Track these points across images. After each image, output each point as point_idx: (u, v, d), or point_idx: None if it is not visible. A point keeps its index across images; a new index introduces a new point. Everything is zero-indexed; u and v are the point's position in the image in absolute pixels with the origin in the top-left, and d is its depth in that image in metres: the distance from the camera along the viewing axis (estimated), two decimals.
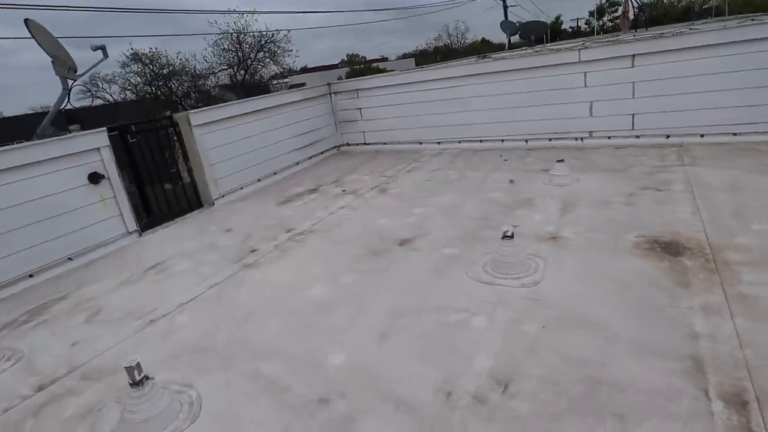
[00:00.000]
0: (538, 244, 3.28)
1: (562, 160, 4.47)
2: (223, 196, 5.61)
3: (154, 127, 7.17)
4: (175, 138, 6.00)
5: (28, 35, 5.47)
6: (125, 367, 1.93)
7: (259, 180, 6.09)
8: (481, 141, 6.38)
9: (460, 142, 6.54)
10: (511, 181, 4.75)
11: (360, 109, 7.26)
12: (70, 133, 5.78)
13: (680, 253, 2.98)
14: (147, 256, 4.15)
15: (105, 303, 3.34)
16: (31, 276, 3.91)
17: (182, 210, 5.44)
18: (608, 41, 6.32)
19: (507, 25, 14.32)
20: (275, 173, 6.36)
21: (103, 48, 5.83)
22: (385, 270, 3.24)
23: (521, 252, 2.95)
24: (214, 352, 2.54)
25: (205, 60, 28.95)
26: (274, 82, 34.76)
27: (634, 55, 5.17)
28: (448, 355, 2.28)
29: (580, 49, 5.40)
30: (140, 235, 4.67)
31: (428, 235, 3.72)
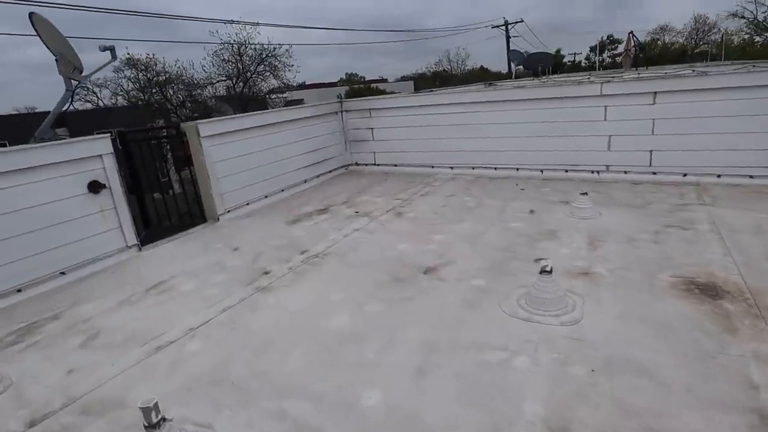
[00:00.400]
0: (571, 280, 3.12)
1: (585, 193, 4.36)
2: (229, 211, 5.38)
3: (159, 136, 6.99)
4: (169, 148, 5.80)
5: (30, 32, 5.28)
6: (141, 408, 1.69)
7: (266, 196, 5.89)
8: (495, 168, 6.28)
9: (473, 168, 6.44)
10: (532, 212, 4.62)
11: (371, 129, 7.15)
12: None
13: (720, 296, 2.85)
14: (148, 274, 3.89)
15: (103, 324, 3.07)
16: (19, 291, 3.60)
17: (185, 225, 5.19)
18: (631, 77, 6.33)
19: (514, 55, 14.53)
20: (282, 190, 6.16)
21: (112, 49, 5.66)
22: (411, 299, 3.04)
23: (559, 288, 2.78)
24: (231, 386, 2.30)
25: (204, 70, 28.91)
26: (273, 96, 34.86)
27: (655, 93, 5.15)
28: (492, 398, 2.08)
29: (602, 83, 5.37)
30: (140, 249, 4.40)
31: (453, 264, 3.54)
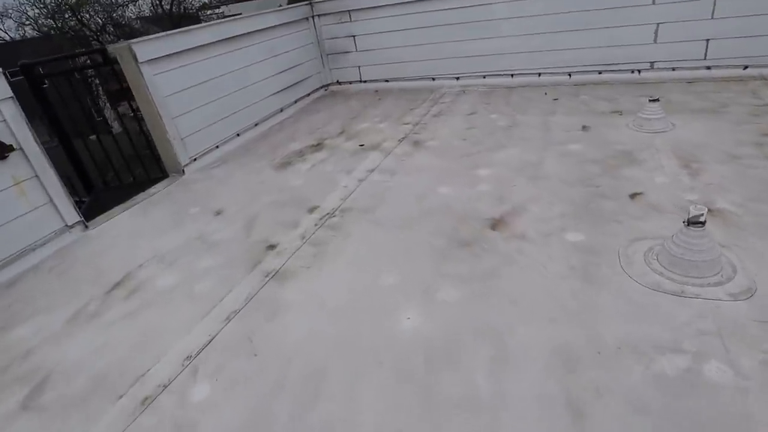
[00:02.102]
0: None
1: (657, 99, 3.45)
2: (195, 159, 4.18)
3: (80, 66, 5.43)
4: (98, 83, 4.39)
5: None
6: None
7: (238, 134, 4.66)
8: (512, 75, 5.22)
9: (485, 77, 5.34)
10: (585, 128, 3.70)
11: (353, 36, 5.79)
12: None
13: None
14: (105, 264, 2.81)
15: (51, 363, 2.05)
16: None
17: (140, 183, 4.00)
18: None
19: None
20: (256, 124, 4.93)
21: None
22: (495, 274, 2.17)
23: (714, 245, 1.97)
24: None
25: None
26: (208, 12, 30.82)
27: None
28: None
29: None
30: (86, 227, 3.24)
31: (524, 210, 2.65)
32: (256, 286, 2.33)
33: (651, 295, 1.90)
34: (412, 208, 2.87)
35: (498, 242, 2.40)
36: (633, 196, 2.65)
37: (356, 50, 5.87)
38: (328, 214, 2.95)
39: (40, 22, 25.29)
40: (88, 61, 4.95)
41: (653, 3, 4.42)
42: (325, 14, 5.79)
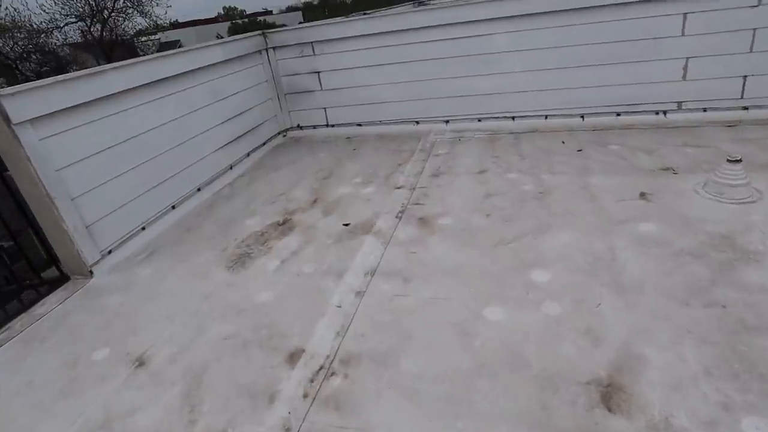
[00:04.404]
0: None
1: (738, 160, 2.65)
2: (110, 252, 2.94)
3: None
4: None
5: None
6: None
7: (173, 207, 3.46)
8: (513, 118, 4.37)
9: (480, 120, 4.47)
10: (643, 195, 2.85)
11: (318, 72, 4.76)
12: None
13: None
14: None
15: None
16: None
17: (20, 292, 2.72)
18: None
19: None
20: (199, 189, 3.75)
21: None
22: None
23: None
24: None
25: (44, 11, 22.67)
26: (143, 39, 28.98)
27: None
28: None
29: None
30: None
31: (641, 362, 1.67)
32: None
33: None
34: (456, 355, 1.83)
35: None
36: None
37: (321, 89, 4.84)
38: (321, 368, 1.85)
39: None
40: None
41: (683, 34, 3.73)
42: (282, 46, 4.74)
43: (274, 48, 4.75)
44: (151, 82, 3.29)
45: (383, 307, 2.16)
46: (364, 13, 7.20)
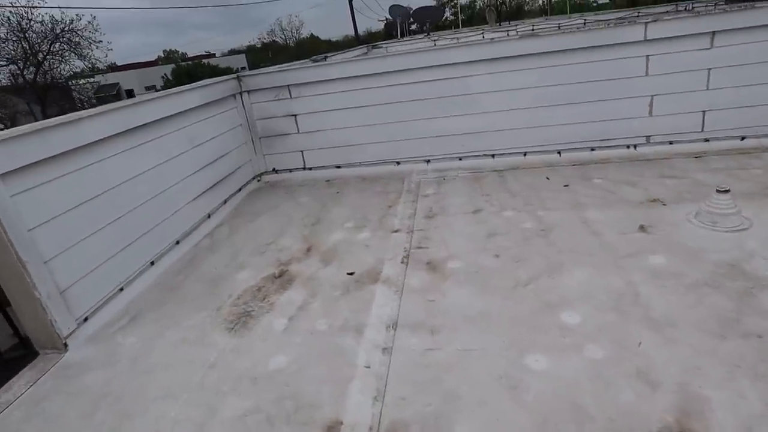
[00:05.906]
0: None
1: (727, 190, 2.80)
2: (86, 320, 2.60)
3: None
4: None
5: None
6: None
7: (152, 263, 3.16)
8: (493, 156, 4.45)
9: (461, 159, 4.51)
10: (642, 228, 2.93)
11: (295, 116, 4.66)
12: None
13: None
14: None
15: None
16: None
17: None
18: (682, 15, 4.95)
19: (397, 11, 12.55)
20: (178, 242, 3.46)
21: None
22: None
23: None
24: None
25: None
26: (81, 81, 27.84)
27: (714, 33, 3.81)
28: None
29: (646, 23, 3.84)
30: None
31: (706, 406, 1.62)
32: None
33: None
34: (513, 414, 1.70)
35: None
36: None
37: (298, 132, 4.73)
38: None
39: None
40: None
41: (647, 74, 4.00)
42: (256, 90, 4.62)
43: (248, 91, 4.62)
44: (127, 130, 3.05)
45: (417, 364, 2.01)
46: (326, 56, 7.27)
